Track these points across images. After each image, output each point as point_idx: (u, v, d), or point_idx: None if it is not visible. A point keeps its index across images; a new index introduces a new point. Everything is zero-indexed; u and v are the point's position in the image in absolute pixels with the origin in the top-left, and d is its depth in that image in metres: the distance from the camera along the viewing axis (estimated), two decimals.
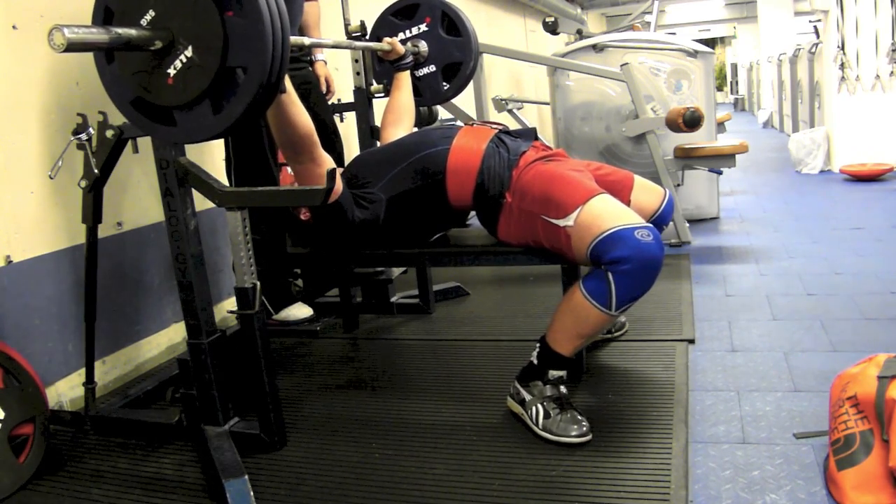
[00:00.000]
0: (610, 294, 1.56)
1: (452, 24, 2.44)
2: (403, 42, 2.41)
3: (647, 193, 1.97)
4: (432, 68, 2.47)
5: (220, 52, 1.18)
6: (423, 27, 2.45)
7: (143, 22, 1.22)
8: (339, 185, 1.80)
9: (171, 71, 1.22)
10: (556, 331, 1.69)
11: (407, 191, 1.87)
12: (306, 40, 1.84)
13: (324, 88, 2.73)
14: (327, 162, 1.74)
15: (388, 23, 2.49)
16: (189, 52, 1.20)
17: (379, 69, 2.56)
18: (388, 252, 2.01)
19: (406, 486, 1.50)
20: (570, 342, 1.68)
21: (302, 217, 1.98)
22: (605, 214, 1.61)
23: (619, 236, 1.55)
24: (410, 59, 2.38)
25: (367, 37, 2.60)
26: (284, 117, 1.61)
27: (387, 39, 2.31)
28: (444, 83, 2.49)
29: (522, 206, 1.76)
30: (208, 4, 1.18)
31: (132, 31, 1.18)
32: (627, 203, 1.84)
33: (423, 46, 2.43)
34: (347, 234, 1.88)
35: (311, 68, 2.67)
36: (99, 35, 1.13)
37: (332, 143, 2.61)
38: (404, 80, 2.36)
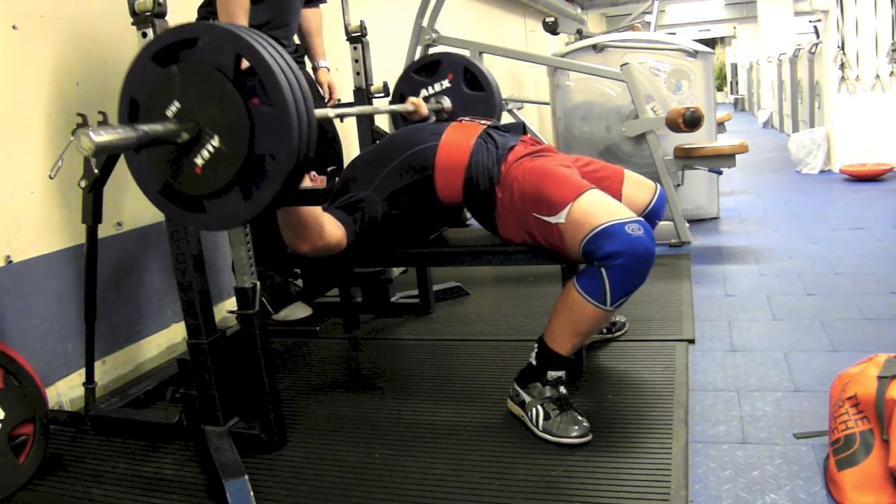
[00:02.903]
0: (604, 289, 1.57)
1: (475, 80, 2.46)
2: (427, 99, 2.42)
3: (638, 188, 1.96)
4: None
5: (247, 141, 1.18)
6: (446, 83, 2.47)
7: (169, 113, 1.21)
8: (341, 237, 1.72)
9: (199, 161, 1.22)
10: (554, 329, 1.69)
11: (399, 189, 1.85)
12: (331, 112, 1.81)
13: (326, 95, 2.73)
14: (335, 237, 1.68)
15: (410, 80, 2.51)
16: (216, 142, 1.20)
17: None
18: (388, 252, 2.01)
19: (406, 486, 1.50)
20: (568, 340, 1.68)
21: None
22: (595, 210, 1.61)
23: (609, 231, 1.56)
24: (434, 119, 2.39)
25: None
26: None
27: (411, 99, 2.32)
28: None
29: (514, 204, 1.76)
30: (233, 93, 1.17)
31: (159, 127, 1.17)
32: (619, 198, 1.83)
33: (447, 103, 2.44)
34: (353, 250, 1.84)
35: (313, 75, 2.66)
36: (126, 134, 1.12)
37: (331, 145, 2.61)
38: None
